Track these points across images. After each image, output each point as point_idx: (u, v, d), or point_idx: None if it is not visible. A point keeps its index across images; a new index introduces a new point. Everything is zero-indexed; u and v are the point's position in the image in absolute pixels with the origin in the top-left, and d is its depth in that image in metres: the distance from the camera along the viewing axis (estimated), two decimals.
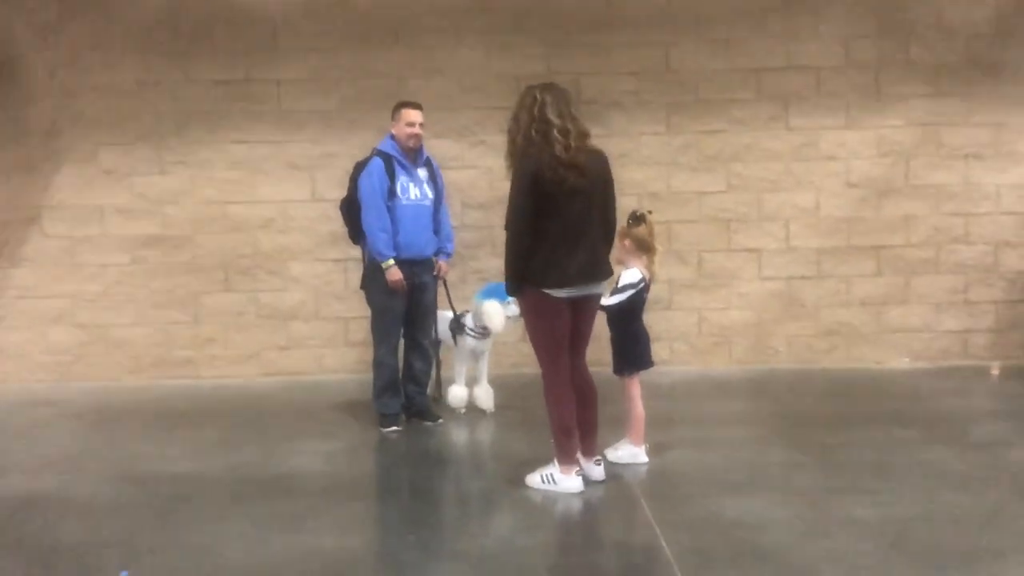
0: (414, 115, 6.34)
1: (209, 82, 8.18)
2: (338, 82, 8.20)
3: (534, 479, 5.11)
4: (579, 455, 5.08)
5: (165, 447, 6.18)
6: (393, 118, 6.40)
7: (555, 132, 4.74)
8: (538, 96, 4.83)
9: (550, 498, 4.96)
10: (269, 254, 8.29)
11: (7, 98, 8.14)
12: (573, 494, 4.97)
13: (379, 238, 6.20)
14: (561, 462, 5.02)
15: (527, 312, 5.04)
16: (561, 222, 4.78)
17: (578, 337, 5.04)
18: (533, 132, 4.78)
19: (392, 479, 5.78)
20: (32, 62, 8.15)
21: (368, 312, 6.54)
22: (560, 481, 5.02)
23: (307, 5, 8.17)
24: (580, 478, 5.02)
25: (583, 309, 4.98)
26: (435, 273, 6.59)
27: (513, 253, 4.84)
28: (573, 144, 4.75)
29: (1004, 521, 4.52)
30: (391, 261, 6.22)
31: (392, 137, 6.38)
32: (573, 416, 5.00)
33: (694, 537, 4.34)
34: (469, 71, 8.20)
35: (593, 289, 4.97)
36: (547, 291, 4.84)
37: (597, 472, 5.14)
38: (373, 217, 6.21)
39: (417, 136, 6.35)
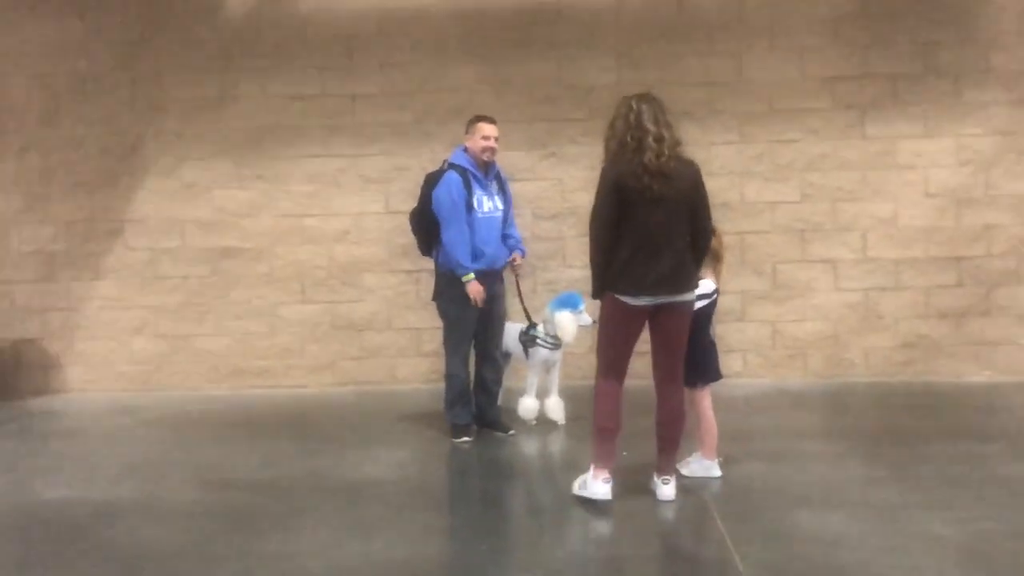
0: (489, 129, 6.37)
1: (286, 97, 8.35)
2: (411, 96, 8.29)
3: (575, 485, 5.12)
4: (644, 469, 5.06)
5: (242, 455, 6.30)
6: (468, 131, 6.44)
7: (650, 139, 4.76)
8: (634, 105, 4.87)
9: (622, 510, 4.94)
10: (344, 266, 8.41)
11: (92, 114, 8.40)
12: (601, 500, 4.92)
13: (461, 252, 6.22)
14: (594, 464, 5.00)
15: (601, 312, 5.05)
16: (642, 229, 4.78)
17: (664, 347, 4.99)
18: (629, 139, 4.80)
19: (464, 489, 5.82)
20: (116, 79, 8.40)
21: (439, 323, 6.58)
22: (589, 485, 5.00)
23: (380, 21, 8.30)
24: (608, 485, 4.96)
25: (667, 318, 4.91)
26: (510, 260, 6.55)
27: (594, 257, 4.89)
28: (667, 152, 4.78)
29: None
30: (471, 275, 6.25)
31: (465, 150, 6.42)
32: (613, 417, 4.97)
33: (768, 552, 4.29)
34: (540, 83, 8.23)
35: (676, 298, 4.89)
36: (621, 297, 4.85)
37: (666, 491, 5.05)
38: (455, 232, 6.23)
39: (492, 150, 6.38)
